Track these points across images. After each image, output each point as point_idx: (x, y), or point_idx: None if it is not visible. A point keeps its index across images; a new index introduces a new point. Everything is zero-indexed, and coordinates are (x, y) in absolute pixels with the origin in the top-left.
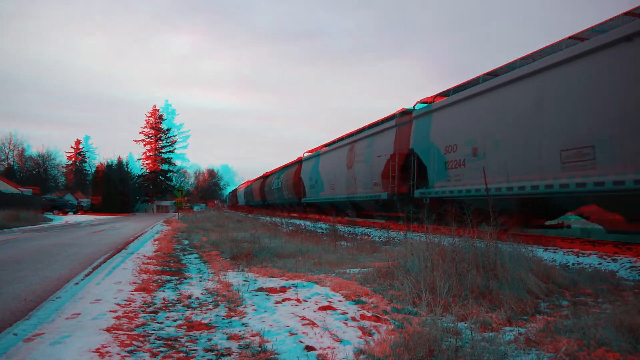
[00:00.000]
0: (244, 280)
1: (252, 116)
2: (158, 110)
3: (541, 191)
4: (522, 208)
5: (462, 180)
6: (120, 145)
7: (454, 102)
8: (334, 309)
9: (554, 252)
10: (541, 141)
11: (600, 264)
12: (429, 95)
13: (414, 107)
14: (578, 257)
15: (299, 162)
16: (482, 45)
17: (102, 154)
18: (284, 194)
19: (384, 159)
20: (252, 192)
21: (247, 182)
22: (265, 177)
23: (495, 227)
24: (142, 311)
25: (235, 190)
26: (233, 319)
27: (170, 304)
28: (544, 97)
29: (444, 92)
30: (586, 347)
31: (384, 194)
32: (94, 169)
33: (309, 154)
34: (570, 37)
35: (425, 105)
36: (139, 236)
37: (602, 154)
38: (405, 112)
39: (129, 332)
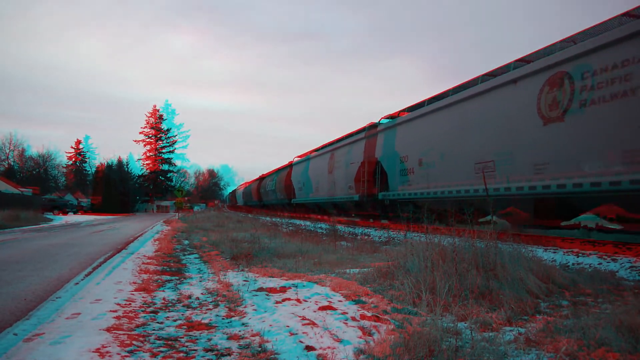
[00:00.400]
0: (244, 280)
1: (253, 116)
2: (158, 110)
3: (462, 195)
4: (455, 207)
5: (412, 185)
6: (121, 145)
7: (410, 120)
8: (334, 309)
9: (554, 252)
10: (464, 156)
11: (600, 264)
12: (395, 111)
13: (379, 121)
14: (578, 257)
15: (290, 165)
16: (481, 45)
17: (103, 154)
18: (278, 195)
19: (356, 166)
20: (250, 192)
21: (246, 182)
22: (261, 178)
23: (430, 222)
24: (142, 311)
25: (235, 190)
26: (233, 319)
27: (170, 304)
28: (465, 121)
29: (407, 108)
30: (586, 347)
31: (356, 196)
32: (94, 169)
33: (299, 158)
34: (518, 60)
35: (389, 120)
36: (139, 236)
37: (500, 167)
38: (373, 126)
39: (129, 332)
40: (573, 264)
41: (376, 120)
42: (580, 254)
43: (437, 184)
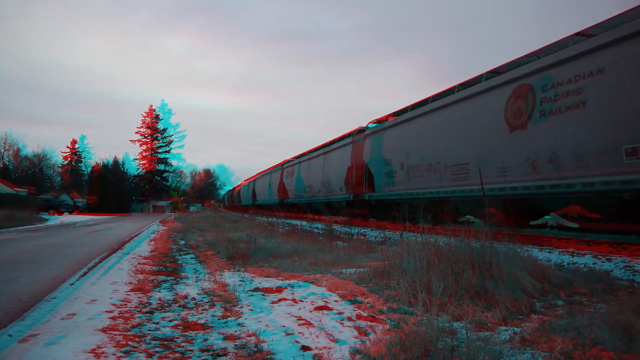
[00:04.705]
0: (240, 281)
1: (249, 116)
2: (154, 110)
3: (441, 195)
4: (435, 207)
5: (396, 186)
6: (117, 145)
7: (394, 125)
8: (330, 309)
9: (549, 252)
10: (442, 159)
11: (594, 263)
12: (382, 115)
13: (367, 125)
14: (573, 256)
15: (282, 167)
16: (480, 46)
17: (99, 153)
18: (271, 196)
19: (346, 168)
20: (245, 192)
21: (242, 182)
22: (255, 179)
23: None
24: (138, 311)
25: (231, 190)
26: (229, 319)
27: (166, 304)
28: (443, 127)
29: (393, 113)
30: (581, 346)
31: (347, 196)
32: (90, 168)
33: (292, 159)
34: (489, 71)
35: (376, 124)
36: (134, 236)
37: (473, 169)
38: (360, 130)
39: (125, 333)
40: (568, 264)
41: (364, 124)
42: (575, 254)
43: (419, 186)
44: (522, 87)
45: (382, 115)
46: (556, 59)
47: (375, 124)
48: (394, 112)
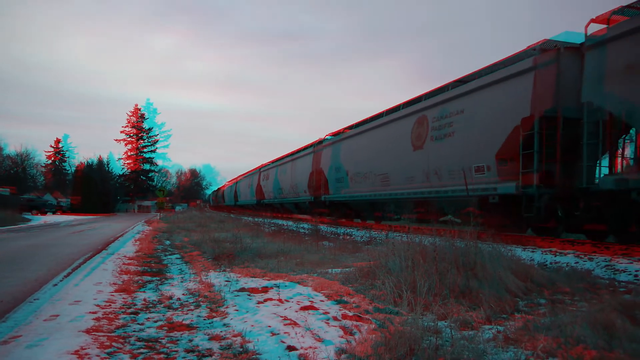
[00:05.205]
0: (226, 281)
1: (236, 116)
2: (140, 109)
3: (373, 197)
4: (371, 206)
5: (344, 190)
6: (101, 144)
7: (344, 139)
8: (316, 309)
9: (532, 252)
10: (374, 169)
11: (577, 262)
12: (339, 129)
13: (325, 137)
14: (555, 256)
15: (258, 170)
16: (466, 47)
17: (83, 153)
18: (251, 196)
19: (308, 174)
20: (228, 193)
21: (227, 183)
22: (238, 181)
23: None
24: (122, 312)
25: (217, 190)
26: (214, 319)
27: (151, 305)
28: (373, 144)
29: (348, 126)
30: (564, 344)
31: (310, 197)
32: (74, 168)
33: (268, 164)
34: (406, 102)
35: (332, 137)
36: (119, 236)
37: (391, 178)
38: (320, 142)
39: (109, 334)
40: (551, 263)
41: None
42: (558, 253)
43: (359, 190)
44: (422, 117)
45: (339, 128)
46: (443, 98)
47: (331, 137)
48: (348, 126)
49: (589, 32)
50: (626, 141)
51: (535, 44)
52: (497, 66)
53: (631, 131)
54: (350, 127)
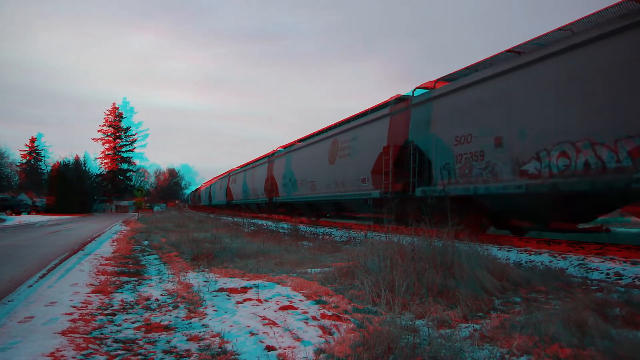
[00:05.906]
0: (205, 281)
1: (214, 116)
2: (117, 109)
3: (306, 199)
4: (309, 206)
5: (294, 192)
6: (77, 143)
7: (294, 150)
8: (295, 309)
9: (508, 251)
10: (307, 177)
11: (551, 262)
12: (291, 141)
13: (278, 149)
14: (531, 255)
15: (228, 174)
16: (446, 47)
17: (59, 152)
18: (223, 197)
19: (264, 179)
20: (204, 194)
21: (204, 184)
22: (213, 182)
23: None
24: (99, 313)
25: (195, 191)
26: (193, 320)
27: (129, 306)
28: (309, 156)
29: (299, 139)
30: (539, 343)
31: (266, 199)
32: (50, 167)
33: (237, 168)
34: (333, 125)
35: (284, 149)
36: (96, 237)
37: (316, 184)
38: (274, 153)
39: (85, 335)
40: (526, 262)
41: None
42: (533, 253)
43: (300, 193)
44: (335, 140)
45: (292, 140)
46: (347, 127)
47: (283, 149)
48: (297, 140)
49: (415, 94)
50: (425, 166)
51: (396, 96)
52: (379, 107)
53: (430, 159)
54: (299, 141)
